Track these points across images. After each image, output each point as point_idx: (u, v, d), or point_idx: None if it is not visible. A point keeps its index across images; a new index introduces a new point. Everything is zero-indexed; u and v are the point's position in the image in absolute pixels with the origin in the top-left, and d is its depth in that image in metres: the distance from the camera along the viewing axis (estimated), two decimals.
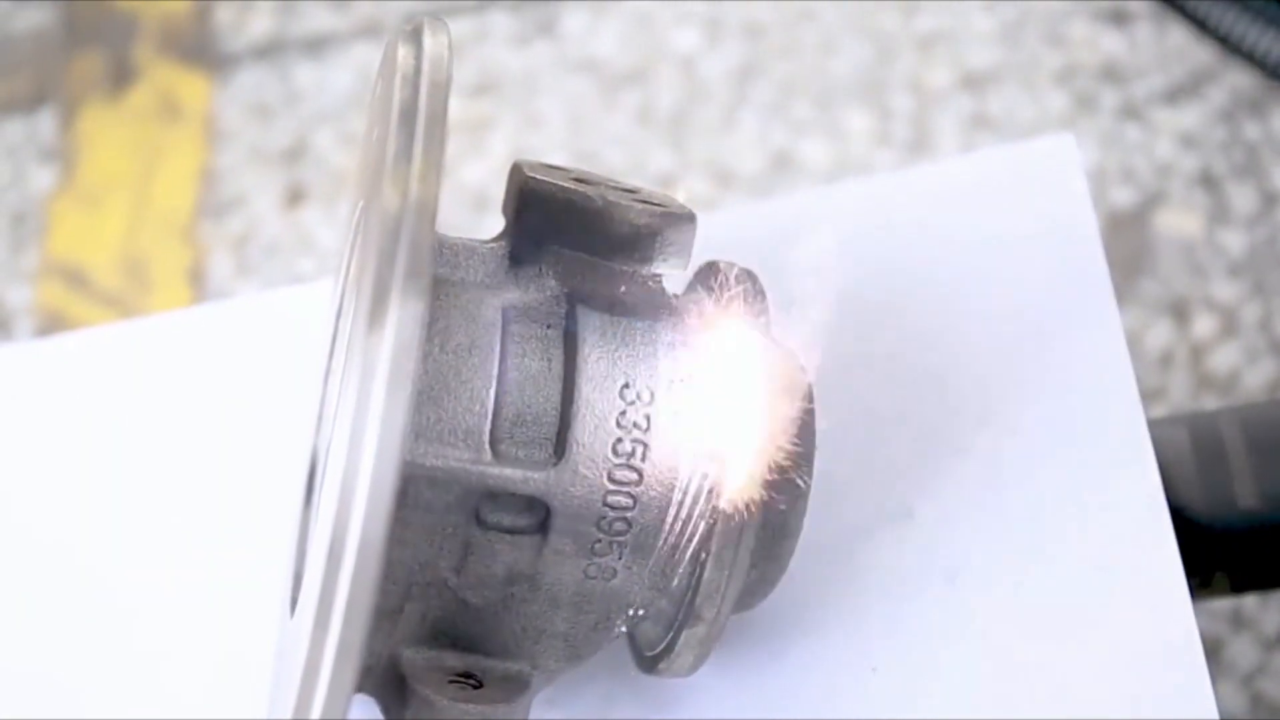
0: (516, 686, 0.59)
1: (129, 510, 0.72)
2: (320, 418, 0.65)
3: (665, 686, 0.64)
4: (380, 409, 0.49)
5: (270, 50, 1.10)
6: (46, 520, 0.71)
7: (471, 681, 0.59)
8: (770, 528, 0.59)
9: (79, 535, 0.70)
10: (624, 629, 0.60)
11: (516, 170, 0.59)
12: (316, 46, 1.10)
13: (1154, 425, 0.67)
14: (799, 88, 1.03)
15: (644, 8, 1.08)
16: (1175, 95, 1.00)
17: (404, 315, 0.50)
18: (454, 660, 0.59)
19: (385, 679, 0.59)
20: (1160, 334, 0.93)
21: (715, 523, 0.57)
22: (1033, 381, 0.68)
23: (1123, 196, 0.98)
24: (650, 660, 0.61)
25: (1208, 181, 0.97)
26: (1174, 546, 0.63)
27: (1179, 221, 0.96)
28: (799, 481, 0.59)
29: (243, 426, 0.73)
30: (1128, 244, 0.96)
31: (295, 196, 1.05)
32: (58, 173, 1.09)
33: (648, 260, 0.58)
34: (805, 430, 0.60)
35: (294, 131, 1.08)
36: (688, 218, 0.58)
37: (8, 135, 1.10)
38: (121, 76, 1.12)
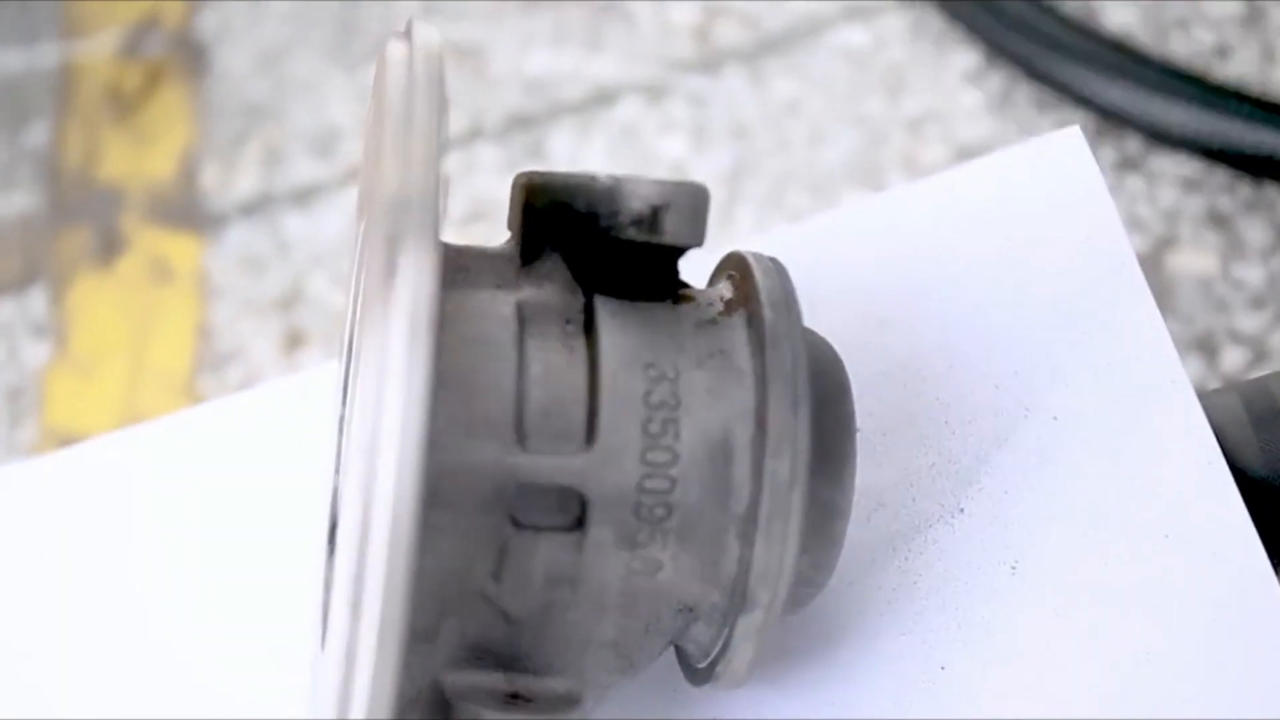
0: (567, 704, 0.55)
1: (149, 615, 0.69)
2: (337, 467, 0.63)
3: (721, 705, 0.61)
4: (402, 359, 0.47)
5: (258, 205, 1.10)
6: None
7: (519, 703, 0.55)
8: (818, 506, 0.56)
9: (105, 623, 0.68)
10: (674, 633, 0.56)
11: (519, 177, 0.58)
12: (304, 197, 1.09)
13: (1204, 395, 0.64)
14: (792, 179, 1.02)
15: (627, 121, 1.08)
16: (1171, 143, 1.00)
17: (418, 267, 0.48)
18: (499, 682, 0.56)
19: (430, 710, 0.55)
20: (1191, 370, 0.91)
21: (762, 498, 0.54)
22: (1072, 365, 0.66)
23: (1133, 243, 0.96)
24: (704, 670, 0.58)
25: (1217, 220, 0.96)
26: (1241, 505, 0.61)
27: (1194, 261, 0.95)
28: (844, 457, 0.57)
29: (256, 510, 0.70)
30: None
31: (294, 341, 1.04)
32: (51, 346, 1.07)
33: (661, 232, 0.56)
34: (847, 408, 0.58)
35: (287, 280, 1.06)
36: (700, 189, 0.57)
37: None
38: (110, 247, 1.11)
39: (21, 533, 0.72)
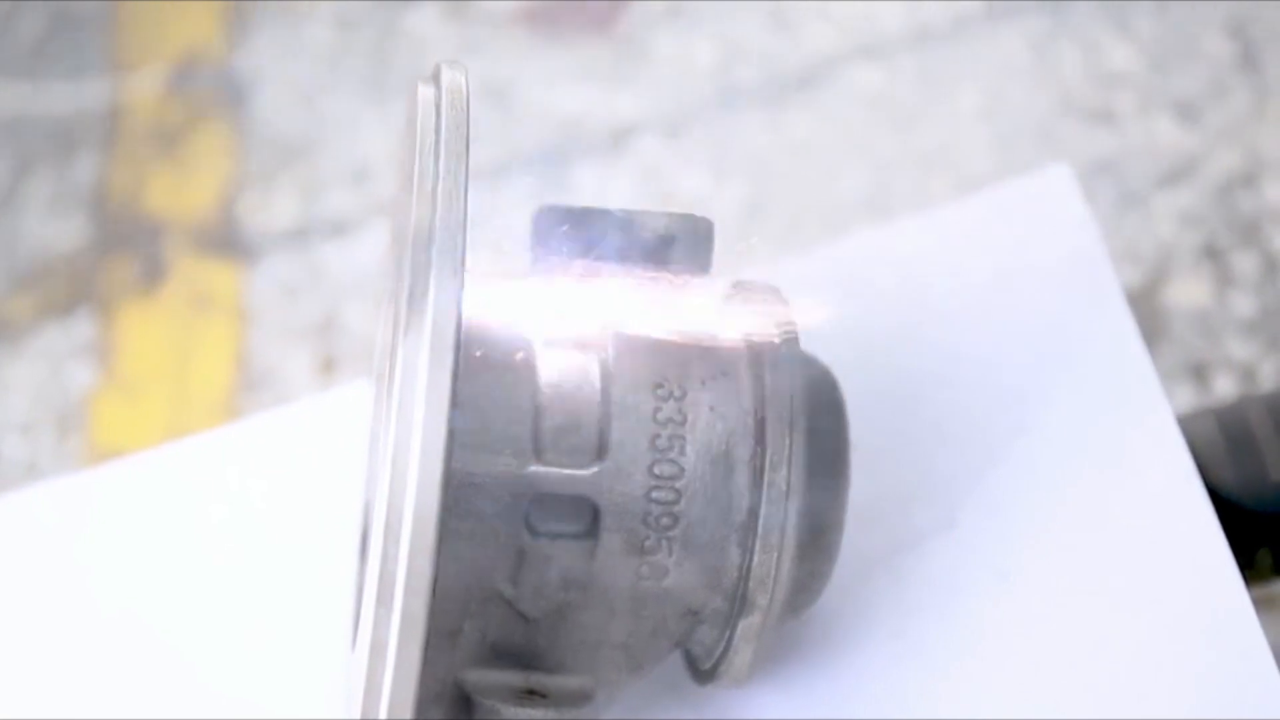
0: (580, 700, 0.59)
1: (189, 618, 0.73)
2: (368, 481, 0.67)
3: (726, 705, 0.65)
4: (426, 380, 0.51)
5: (295, 235, 1.14)
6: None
7: (534, 698, 0.59)
8: (813, 516, 0.60)
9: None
10: (680, 635, 0.60)
11: (539, 209, 0.62)
12: (338, 228, 1.14)
13: (1183, 418, 0.68)
14: (807, 212, 1.06)
15: (649, 157, 1.12)
16: (1170, 179, 1.03)
17: (443, 295, 0.52)
18: (517, 679, 0.59)
19: (452, 707, 0.59)
20: (1183, 396, 0.94)
21: (760, 509, 0.58)
22: (1059, 388, 0.69)
23: (1130, 275, 1.00)
24: (709, 671, 0.62)
25: (1211, 253, 1.00)
26: (1215, 522, 0.64)
27: (1188, 291, 0.98)
28: (839, 471, 0.61)
29: (291, 519, 0.74)
30: (1140, 317, 0.97)
31: (328, 366, 1.08)
32: (96, 370, 1.12)
33: (669, 263, 0.60)
34: (841, 425, 0.62)
35: (323, 307, 1.11)
36: (705, 222, 0.61)
37: (45, 340, 1.14)
38: (154, 275, 1.16)
39: (68, 543, 0.76)
